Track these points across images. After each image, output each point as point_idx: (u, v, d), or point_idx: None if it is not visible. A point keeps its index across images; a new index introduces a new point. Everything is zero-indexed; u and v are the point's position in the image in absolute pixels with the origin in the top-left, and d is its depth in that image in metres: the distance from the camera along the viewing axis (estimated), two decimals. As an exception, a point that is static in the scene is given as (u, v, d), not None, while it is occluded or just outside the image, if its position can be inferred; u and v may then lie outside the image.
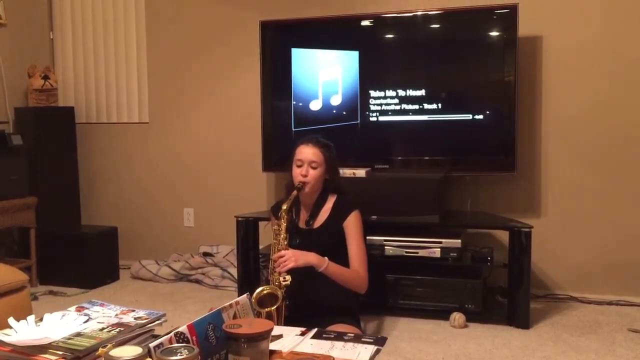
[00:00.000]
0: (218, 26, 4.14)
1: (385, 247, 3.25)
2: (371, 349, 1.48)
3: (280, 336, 1.56)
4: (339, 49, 3.61)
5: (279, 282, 2.37)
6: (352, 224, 2.61)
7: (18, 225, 3.95)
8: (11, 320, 1.45)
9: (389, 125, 3.55)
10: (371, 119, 3.56)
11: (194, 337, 1.28)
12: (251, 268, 3.46)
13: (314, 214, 2.63)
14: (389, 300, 3.26)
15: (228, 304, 1.44)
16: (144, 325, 1.47)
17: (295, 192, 2.53)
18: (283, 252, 2.42)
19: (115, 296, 3.69)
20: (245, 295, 1.53)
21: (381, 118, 3.55)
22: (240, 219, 3.43)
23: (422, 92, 3.47)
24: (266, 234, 3.22)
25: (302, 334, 1.61)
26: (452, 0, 3.56)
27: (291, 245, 2.50)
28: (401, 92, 3.50)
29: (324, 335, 1.60)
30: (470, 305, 3.14)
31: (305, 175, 2.56)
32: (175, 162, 4.34)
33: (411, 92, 3.49)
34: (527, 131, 3.54)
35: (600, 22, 3.43)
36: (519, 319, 3.06)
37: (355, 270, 2.55)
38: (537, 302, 3.41)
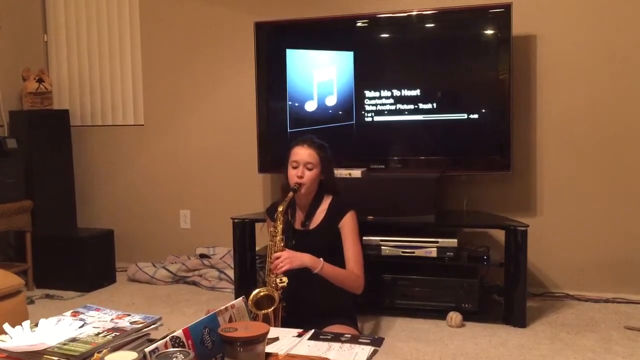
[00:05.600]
0: (212, 27, 4.14)
1: (382, 247, 3.25)
2: (368, 349, 1.48)
3: (276, 339, 1.55)
4: (333, 49, 3.61)
5: (276, 284, 2.38)
6: (347, 225, 2.60)
7: (14, 229, 3.94)
8: (6, 326, 1.44)
9: (385, 125, 3.55)
10: (366, 119, 3.57)
11: (189, 342, 1.28)
12: (248, 269, 3.45)
13: (309, 215, 2.63)
14: (385, 300, 3.26)
15: (224, 307, 1.44)
16: (140, 329, 1.47)
17: (291, 194, 2.53)
18: (279, 253, 2.43)
19: (112, 299, 3.69)
20: (241, 298, 1.53)
21: (376, 118, 3.55)
22: (236, 220, 3.42)
23: (417, 92, 3.47)
24: (263, 236, 3.22)
25: (299, 335, 1.61)
26: (446, 0, 3.57)
27: (287, 246, 2.50)
28: (396, 92, 3.50)
29: (321, 337, 1.59)
30: (466, 305, 3.14)
31: (301, 177, 2.56)
32: (170, 164, 4.33)
33: (406, 92, 3.49)
34: (522, 130, 3.54)
35: (595, 20, 3.44)
36: (516, 317, 3.07)
37: (351, 271, 2.54)
38: (533, 301, 3.42)
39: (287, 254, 2.42)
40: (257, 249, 3.51)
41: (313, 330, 1.64)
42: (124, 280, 4.08)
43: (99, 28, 4.43)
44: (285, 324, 2.25)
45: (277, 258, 2.41)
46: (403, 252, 3.23)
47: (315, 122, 3.64)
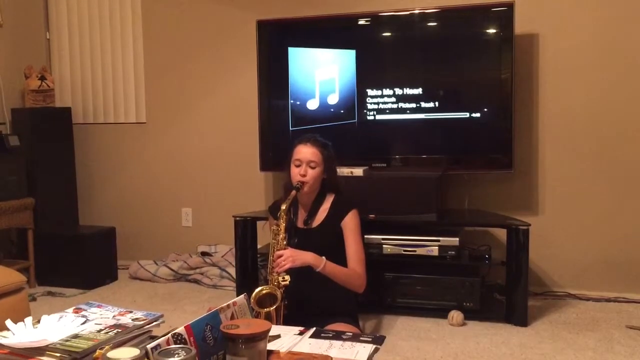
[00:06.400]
0: (214, 26, 4.14)
1: (383, 245, 3.25)
2: (369, 347, 1.49)
3: (278, 336, 1.56)
4: (335, 47, 3.61)
5: (278, 282, 2.37)
6: (350, 223, 2.61)
7: (16, 226, 3.94)
8: (9, 322, 1.45)
9: (386, 123, 3.55)
10: (368, 117, 3.56)
11: (191, 338, 1.29)
12: (249, 268, 3.46)
13: (312, 214, 2.63)
14: (387, 298, 3.26)
15: (225, 304, 1.44)
16: (142, 326, 1.47)
17: (294, 192, 2.53)
18: (281, 252, 2.43)
19: (114, 297, 3.69)
20: (242, 295, 1.53)
21: (378, 117, 3.55)
22: (238, 218, 3.42)
23: (419, 91, 3.47)
24: (264, 234, 3.22)
25: (301, 333, 1.61)
26: (448, -1, 3.57)
27: (290, 245, 2.50)
28: (398, 91, 3.50)
29: (322, 335, 1.60)
30: (468, 303, 3.14)
31: (304, 175, 2.56)
32: (172, 161, 4.34)
33: (408, 91, 3.49)
34: (524, 129, 3.54)
35: (597, 19, 3.43)
36: (517, 316, 3.07)
37: (353, 269, 2.55)
38: (535, 300, 3.41)
39: (289, 252, 2.42)
40: (258, 247, 3.51)
41: (314, 328, 1.64)
42: (126, 278, 4.08)
43: (101, 26, 4.43)
44: (286, 322, 2.25)
45: (280, 256, 2.41)
46: (405, 250, 3.23)
47: (317, 121, 3.64)
